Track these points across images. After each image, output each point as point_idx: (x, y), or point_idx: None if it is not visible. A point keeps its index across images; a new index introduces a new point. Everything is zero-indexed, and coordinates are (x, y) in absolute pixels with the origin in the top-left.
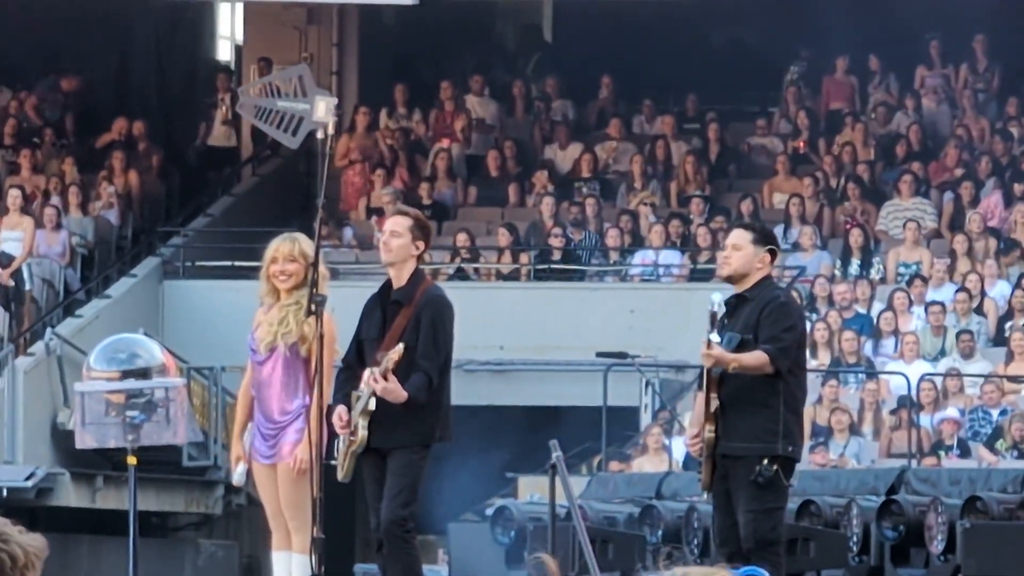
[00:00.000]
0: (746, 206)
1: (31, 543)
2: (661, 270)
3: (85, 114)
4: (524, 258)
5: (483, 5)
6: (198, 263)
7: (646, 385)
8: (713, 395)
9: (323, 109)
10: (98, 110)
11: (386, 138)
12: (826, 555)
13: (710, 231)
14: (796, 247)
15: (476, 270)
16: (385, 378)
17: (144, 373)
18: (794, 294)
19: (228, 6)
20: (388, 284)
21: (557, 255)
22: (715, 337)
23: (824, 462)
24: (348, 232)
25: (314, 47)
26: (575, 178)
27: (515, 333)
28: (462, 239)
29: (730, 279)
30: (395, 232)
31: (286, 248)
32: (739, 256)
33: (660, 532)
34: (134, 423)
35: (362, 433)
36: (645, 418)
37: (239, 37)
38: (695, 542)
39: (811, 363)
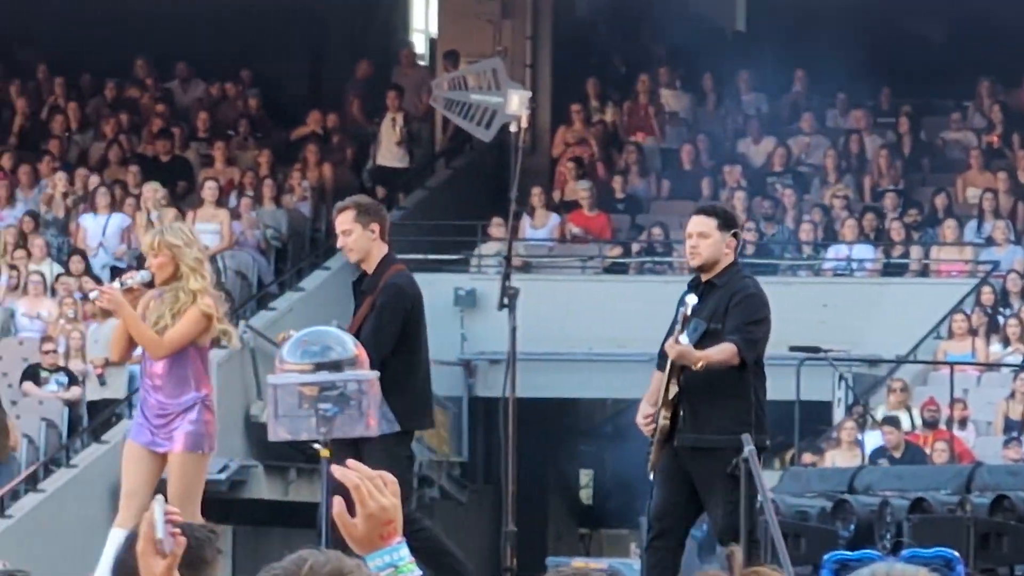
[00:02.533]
0: (940, 200)
1: None
2: (854, 264)
3: (279, 107)
4: None
5: None
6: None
7: (839, 379)
8: (674, 382)
9: (516, 102)
10: (292, 103)
11: (581, 131)
12: (1019, 550)
13: (904, 225)
14: (989, 242)
15: (670, 264)
16: None
17: (337, 366)
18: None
19: (423, 0)
20: (363, 275)
21: (750, 249)
22: (684, 339)
23: (1018, 457)
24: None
25: (508, 40)
26: (768, 172)
27: None
28: (656, 233)
29: (700, 268)
30: (344, 231)
31: (147, 241)
32: (707, 244)
33: (852, 526)
34: (327, 416)
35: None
36: (838, 412)
37: (433, 30)
38: (887, 536)
39: (1005, 357)
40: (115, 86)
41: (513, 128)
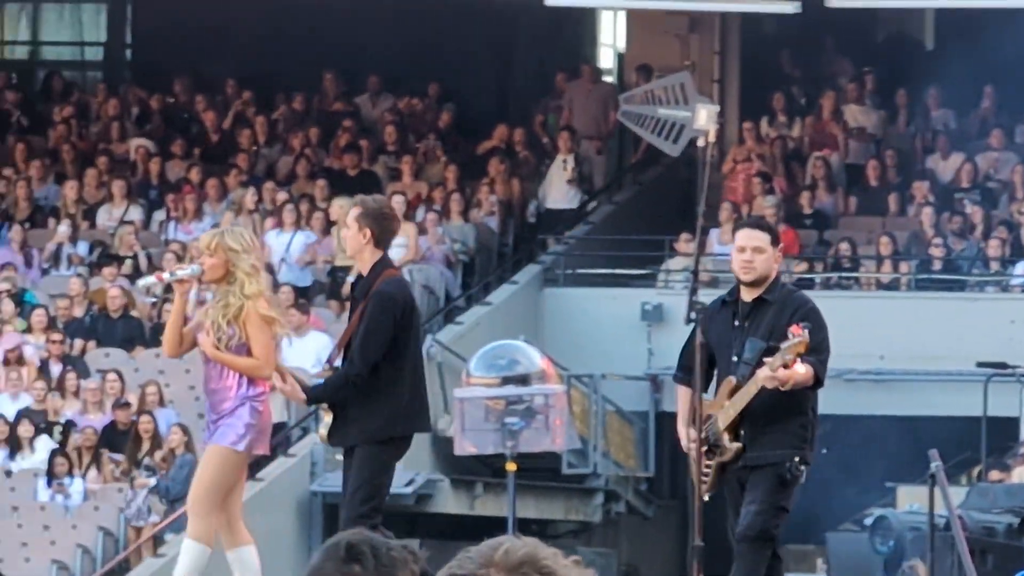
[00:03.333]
0: None
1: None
2: None
3: (466, 121)
4: (904, 268)
5: (864, 13)
6: (578, 271)
7: None
8: (733, 404)
9: (704, 117)
10: (479, 117)
11: (766, 146)
12: None
13: None
14: None
15: (856, 280)
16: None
17: (524, 380)
18: None
19: (611, 14)
20: (359, 278)
21: (938, 265)
22: (763, 369)
23: None
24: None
25: (695, 55)
26: (956, 188)
27: (895, 343)
28: (843, 248)
29: (753, 283)
30: (344, 223)
31: (204, 240)
32: (762, 259)
33: None
34: (513, 429)
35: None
36: None
37: (621, 45)
38: None
39: None
40: (303, 100)
41: (701, 143)
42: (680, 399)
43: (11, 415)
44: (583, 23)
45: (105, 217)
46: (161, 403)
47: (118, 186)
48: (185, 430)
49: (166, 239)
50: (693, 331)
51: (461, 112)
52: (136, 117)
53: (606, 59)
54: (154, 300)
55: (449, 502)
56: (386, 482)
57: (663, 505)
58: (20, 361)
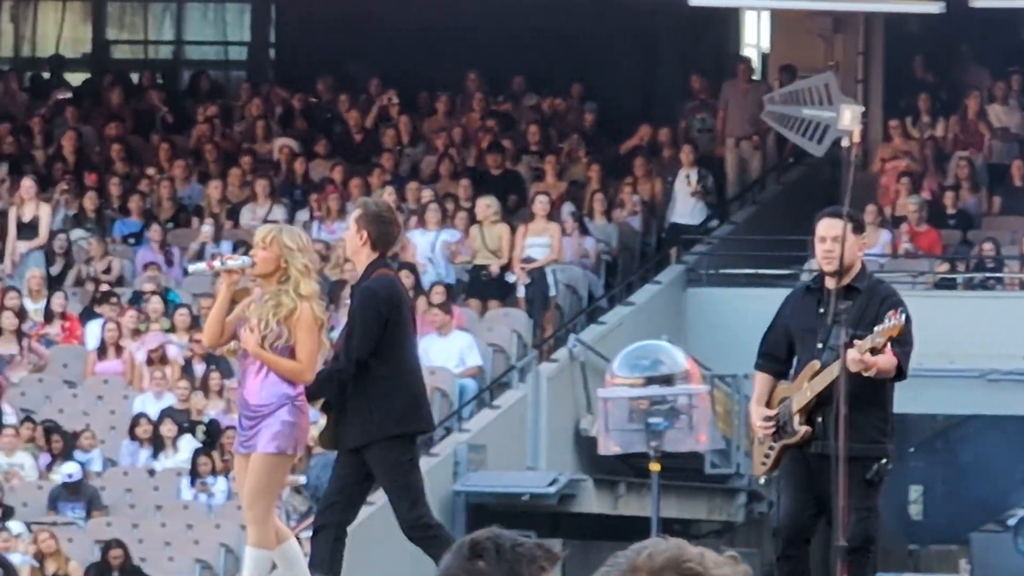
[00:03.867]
0: None
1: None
2: None
3: (609, 120)
4: None
5: (1010, 12)
6: (722, 271)
7: None
8: (810, 389)
9: (849, 117)
10: (622, 116)
11: (914, 144)
12: None
13: None
14: None
15: (1000, 280)
16: None
17: (667, 380)
18: None
19: (755, 14)
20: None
21: None
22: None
23: None
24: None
25: (839, 55)
26: None
27: None
28: (987, 248)
29: (835, 273)
30: (349, 225)
31: (260, 234)
32: (845, 248)
33: None
34: (657, 429)
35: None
36: None
37: (765, 45)
38: None
39: None
40: (447, 100)
41: (845, 143)
42: (757, 383)
43: (154, 414)
44: (727, 23)
45: (248, 217)
46: None
47: (261, 186)
48: None
49: (310, 239)
50: (775, 319)
51: (604, 112)
52: (279, 117)
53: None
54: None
55: (592, 502)
56: (420, 480)
57: None
58: (164, 360)
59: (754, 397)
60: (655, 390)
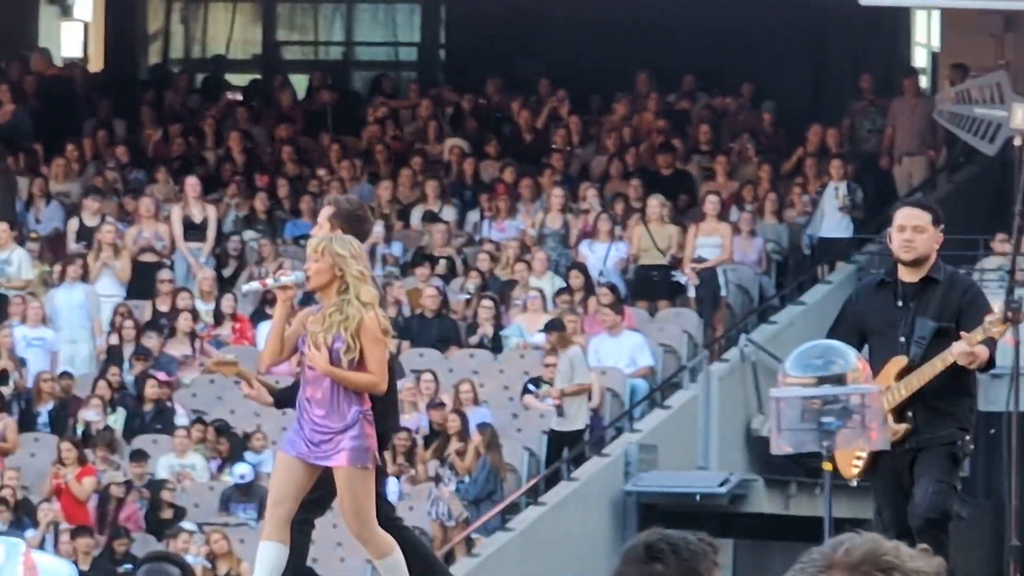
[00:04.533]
0: None
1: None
2: None
3: (780, 120)
4: None
5: None
6: None
7: None
8: (904, 387)
9: (1021, 116)
10: (793, 116)
11: None
12: None
13: None
14: None
15: None
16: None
17: (840, 379)
18: None
19: (925, 13)
20: None
21: None
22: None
23: None
24: None
25: (1010, 54)
26: None
27: None
28: None
29: (914, 262)
30: (319, 224)
31: (312, 244)
32: (923, 239)
33: None
34: (829, 429)
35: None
36: None
37: (935, 44)
38: None
39: None
40: (620, 100)
41: (1017, 142)
42: None
43: None
44: (898, 23)
45: (418, 217)
46: (475, 402)
47: (431, 186)
48: (487, 430)
49: (479, 238)
50: (842, 314)
51: (775, 112)
52: (449, 117)
53: (920, 59)
54: (468, 296)
55: (763, 502)
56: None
57: (978, 505)
58: None
59: None
60: (827, 390)
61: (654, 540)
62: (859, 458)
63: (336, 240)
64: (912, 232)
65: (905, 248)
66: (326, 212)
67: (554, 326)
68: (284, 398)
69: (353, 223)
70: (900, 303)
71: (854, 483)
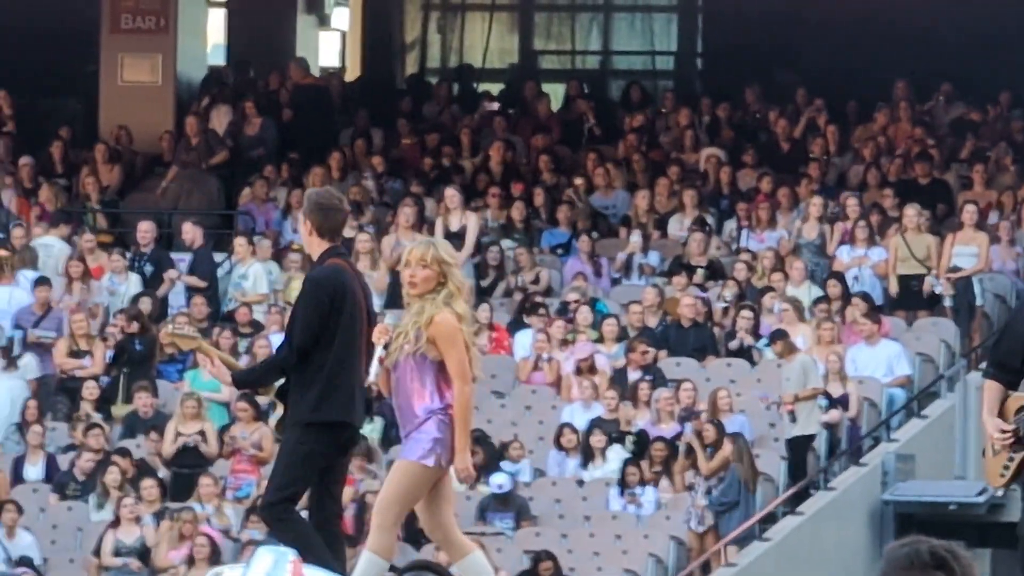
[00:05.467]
0: None
1: None
2: None
3: None
4: None
5: None
6: None
7: None
8: None
9: None
10: None
11: None
12: None
13: None
14: None
15: None
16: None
17: None
18: None
19: None
20: None
21: None
22: None
23: None
24: None
25: None
26: None
27: None
28: None
29: None
30: (301, 222)
31: (418, 252)
32: None
33: None
34: None
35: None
36: None
37: None
38: None
39: None
40: (881, 110)
41: None
42: (988, 393)
43: (582, 424)
44: None
45: (676, 227)
46: (731, 411)
47: (689, 195)
48: (738, 441)
49: (737, 248)
50: (1009, 325)
51: None
52: (706, 126)
53: None
54: (725, 304)
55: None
56: (307, 472)
57: None
58: (592, 370)
59: (985, 408)
60: None
61: (939, 547)
62: (1005, 467)
63: (440, 246)
64: None
65: None
66: (302, 210)
67: (778, 335)
68: (243, 380)
69: (322, 212)
70: None
71: (1000, 492)
